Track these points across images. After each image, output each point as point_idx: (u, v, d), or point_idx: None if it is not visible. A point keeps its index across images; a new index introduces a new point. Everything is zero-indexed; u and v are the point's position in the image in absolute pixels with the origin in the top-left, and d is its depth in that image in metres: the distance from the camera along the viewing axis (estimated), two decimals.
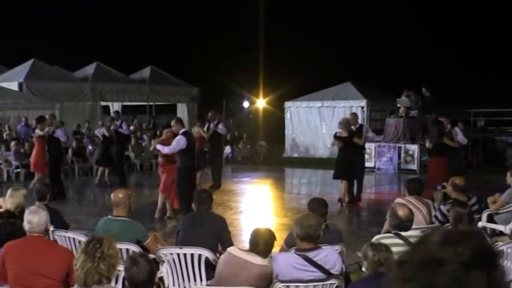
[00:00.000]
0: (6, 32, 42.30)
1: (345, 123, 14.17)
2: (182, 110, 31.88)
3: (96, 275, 4.40)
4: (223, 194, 16.29)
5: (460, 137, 14.37)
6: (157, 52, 43.94)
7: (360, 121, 15.46)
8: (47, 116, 16.39)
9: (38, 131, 15.63)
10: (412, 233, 5.86)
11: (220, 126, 16.64)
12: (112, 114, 18.96)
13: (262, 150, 26.31)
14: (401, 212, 5.83)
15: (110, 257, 4.46)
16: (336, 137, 14.13)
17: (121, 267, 4.96)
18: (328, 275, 5.34)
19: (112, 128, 17.99)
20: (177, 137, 12.37)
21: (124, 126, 18.47)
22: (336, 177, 14.36)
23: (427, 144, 14.25)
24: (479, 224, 8.18)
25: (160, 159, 13.48)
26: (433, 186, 12.00)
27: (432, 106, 22.41)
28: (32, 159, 16.18)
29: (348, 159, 13.98)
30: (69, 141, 21.31)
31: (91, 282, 4.39)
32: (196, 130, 15.78)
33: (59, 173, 16.52)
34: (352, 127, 14.27)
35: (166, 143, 12.57)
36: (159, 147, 12.52)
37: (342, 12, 46.70)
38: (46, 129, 15.56)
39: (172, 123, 13.01)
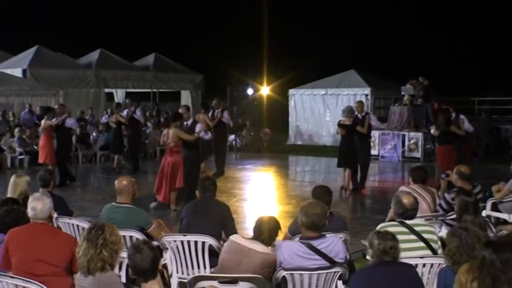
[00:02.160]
0: (10, 18, 42.24)
1: (348, 111, 14.22)
2: (186, 97, 31.83)
3: (99, 262, 4.39)
4: (227, 181, 16.31)
5: (467, 125, 14.41)
6: (161, 39, 43.85)
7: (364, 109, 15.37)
8: (55, 106, 16.22)
9: (47, 122, 15.48)
10: (417, 222, 5.84)
11: (225, 114, 16.62)
12: (127, 101, 19.14)
13: (266, 138, 26.28)
14: (406, 200, 5.81)
15: (113, 243, 4.46)
16: (339, 125, 14.17)
17: (124, 255, 4.96)
18: (332, 263, 5.33)
19: (125, 113, 17.99)
20: (199, 124, 12.64)
21: (138, 112, 18.49)
22: (339, 165, 14.46)
23: (433, 132, 14.20)
24: (484, 213, 8.15)
25: (172, 146, 12.20)
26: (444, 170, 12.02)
27: (430, 94, 22.40)
28: (40, 151, 16.03)
29: (350, 147, 14.04)
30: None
31: (94, 269, 4.39)
32: (201, 118, 15.59)
33: (66, 161, 16.43)
34: (358, 115, 14.28)
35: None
36: (203, 134, 12.48)
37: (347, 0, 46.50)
38: (54, 119, 15.52)
39: (183, 110, 12.98)
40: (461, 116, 14.58)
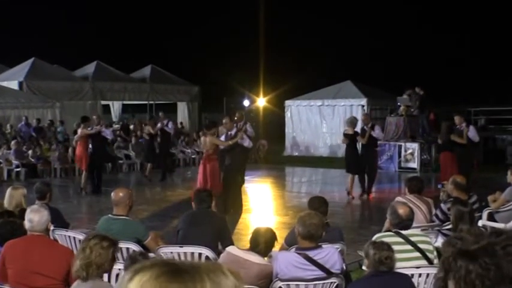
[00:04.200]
0: (6, 30, 42.33)
1: (350, 122, 15.43)
2: (183, 109, 31.88)
3: (95, 270, 4.37)
4: None
5: (472, 134, 14.76)
6: (158, 51, 43.95)
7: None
8: (94, 117, 17.33)
9: (83, 130, 16.17)
10: (413, 232, 5.85)
11: (248, 128, 16.42)
12: (160, 114, 20.47)
13: (263, 149, 26.28)
14: (401, 211, 5.82)
15: (98, 263, 4.40)
16: (344, 134, 15.46)
17: (121, 266, 4.96)
18: (329, 274, 5.34)
19: (159, 126, 18.95)
20: (242, 133, 12.87)
21: (170, 125, 19.57)
22: (347, 171, 15.53)
23: (439, 140, 15.34)
24: (480, 223, 8.17)
25: (210, 153, 12.41)
26: (444, 177, 12.32)
27: (426, 105, 22.47)
28: (76, 157, 17.03)
29: (353, 155, 15.19)
30: (70, 140, 21.67)
31: (92, 274, 4.37)
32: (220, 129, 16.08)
33: (101, 168, 17.27)
34: (365, 127, 15.35)
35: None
36: (241, 140, 12.64)
37: (342, 11, 46.70)
38: (90, 127, 16.27)
39: (226, 120, 13.15)
40: (470, 127, 15.22)
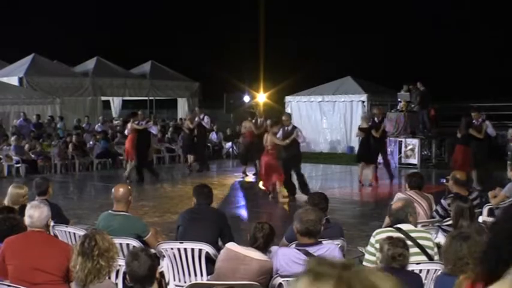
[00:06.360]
0: (6, 26, 42.29)
1: (365, 117, 17.65)
2: (183, 105, 31.87)
3: (96, 272, 4.39)
4: (224, 188, 16.29)
5: (490, 130, 16.01)
6: (158, 47, 43.90)
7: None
8: (139, 112, 18.53)
9: (133, 125, 17.33)
10: (413, 228, 5.85)
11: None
12: (196, 109, 21.66)
13: None
14: (394, 205, 5.91)
15: (107, 250, 4.44)
16: (359, 128, 17.23)
17: (121, 262, 4.96)
18: None
19: (196, 120, 19.96)
20: (298, 129, 14.45)
21: (206, 119, 20.44)
22: (357, 160, 17.47)
23: (458, 134, 16.12)
24: (480, 219, 8.16)
25: (269, 148, 14.32)
26: (460, 168, 12.72)
27: (427, 100, 22.44)
28: (126, 148, 18.14)
29: (367, 147, 16.71)
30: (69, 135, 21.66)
31: (92, 282, 4.38)
32: (247, 125, 18.76)
33: (147, 160, 18.28)
34: (376, 119, 17.08)
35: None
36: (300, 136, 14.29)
37: (342, 6, 46.62)
38: (137, 122, 17.34)
39: (285, 117, 14.70)
40: (487, 122, 16.20)
